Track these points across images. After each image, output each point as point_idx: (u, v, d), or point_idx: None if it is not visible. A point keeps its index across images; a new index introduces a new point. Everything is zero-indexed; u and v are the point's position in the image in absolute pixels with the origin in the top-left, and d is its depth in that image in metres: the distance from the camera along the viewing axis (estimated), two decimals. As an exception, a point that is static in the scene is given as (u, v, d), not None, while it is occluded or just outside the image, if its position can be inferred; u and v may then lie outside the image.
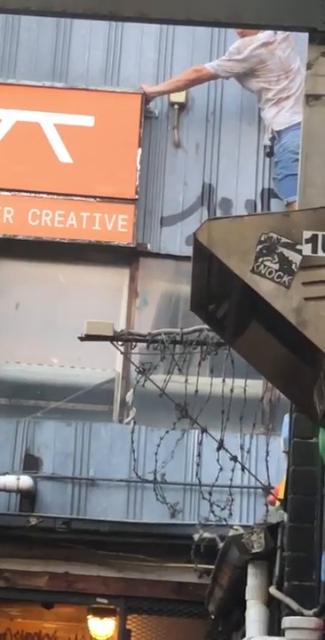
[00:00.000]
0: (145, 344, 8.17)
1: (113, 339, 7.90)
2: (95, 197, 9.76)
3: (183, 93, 9.98)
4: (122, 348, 8.35)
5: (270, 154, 9.67)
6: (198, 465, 7.84)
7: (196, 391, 7.24)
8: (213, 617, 8.34)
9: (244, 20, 5.60)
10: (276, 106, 9.49)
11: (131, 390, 8.99)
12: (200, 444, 7.71)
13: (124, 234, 9.69)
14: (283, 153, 9.09)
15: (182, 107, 10.04)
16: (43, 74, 10.12)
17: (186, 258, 7.50)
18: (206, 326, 6.26)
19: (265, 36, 9.48)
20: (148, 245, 9.78)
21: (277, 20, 5.41)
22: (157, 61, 10.15)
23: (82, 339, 7.90)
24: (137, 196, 9.75)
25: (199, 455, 7.70)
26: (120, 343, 8.30)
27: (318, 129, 5.08)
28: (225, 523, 7.63)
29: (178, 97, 9.99)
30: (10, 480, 9.12)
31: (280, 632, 5.25)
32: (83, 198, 9.75)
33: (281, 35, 9.31)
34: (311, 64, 4.92)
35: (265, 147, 9.76)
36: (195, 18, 5.46)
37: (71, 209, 9.74)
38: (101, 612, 10.07)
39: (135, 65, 10.14)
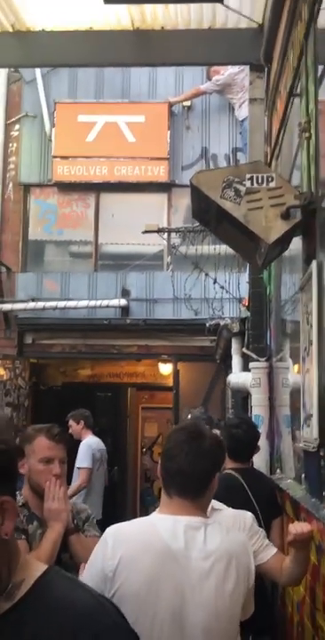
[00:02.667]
0: (176, 233, 8.02)
1: (159, 231, 7.75)
2: (147, 158, 9.38)
3: (189, 101, 9.54)
4: (164, 235, 8.21)
5: (241, 132, 9.23)
6: (205, 288, 7.75)
7: (201, 254, 7.13)
8: (218, 362, 8.41)
9: (209, 60, 5.31)
10: (239, 107, 9.01)
11: (170, 256, 8.88)
12: (204, 280, 7.63)
13: (163, 176, 9.35)
14: (244, 131, 8.65)
15: (189, 108, 9.59)
16: (117, 95, 9.64)
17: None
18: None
19: (229, 71, 8.92)
20: (176, 181, 9.43)
21: (230, 59, 5.12)
22: (175, 85, 9.64)
23: (144, 232, 7.77)
24: (168, 156, 9.37)
25: (204, 286, 7.62)
26: (164, 233, 8.15)
27: (257, 115, 4.85)
28: (220, 318, 7.60)
29: (187, 103, 9.55)
30: (115, 302, 9.13)
31: (248, 370, 5.27)
32: (141, 159, 9.39)
33: (238, 69, 8.77)
34: (251, 82, 4.68)
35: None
36: (172, 61, 5.12)
37: (135, 165, 9.38)
38: (164, 361, 10.16)
39: (164, 87, 9.63)
